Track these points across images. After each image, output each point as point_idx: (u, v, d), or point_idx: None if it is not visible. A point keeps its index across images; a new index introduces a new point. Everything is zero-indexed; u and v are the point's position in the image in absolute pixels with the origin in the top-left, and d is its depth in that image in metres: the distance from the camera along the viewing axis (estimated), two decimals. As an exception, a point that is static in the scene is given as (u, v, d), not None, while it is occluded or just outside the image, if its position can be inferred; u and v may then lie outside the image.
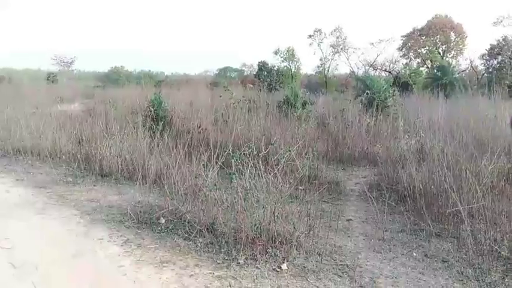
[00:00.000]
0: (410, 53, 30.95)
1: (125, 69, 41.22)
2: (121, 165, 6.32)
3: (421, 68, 30.55)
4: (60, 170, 6.62)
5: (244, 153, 4.21)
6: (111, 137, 6.86)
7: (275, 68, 31.94)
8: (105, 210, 4.79)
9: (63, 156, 7.19)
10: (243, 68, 38.97)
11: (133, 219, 4.38)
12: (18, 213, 4.65)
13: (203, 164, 4.73)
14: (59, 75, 34.36)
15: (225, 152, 4.74)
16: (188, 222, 4.14)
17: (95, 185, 5.92)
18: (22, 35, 59.58)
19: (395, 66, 30.91)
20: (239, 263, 3.47)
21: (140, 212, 4.53)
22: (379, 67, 31.32)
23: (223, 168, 4.74)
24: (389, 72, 30.48)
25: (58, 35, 61.58)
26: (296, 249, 3.72)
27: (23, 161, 7.21)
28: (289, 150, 4.46)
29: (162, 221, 4.30)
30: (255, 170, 4.13)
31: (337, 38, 33.07)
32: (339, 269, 3.49)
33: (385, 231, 4.41)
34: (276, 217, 3.85)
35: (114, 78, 35.92)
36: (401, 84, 22.20)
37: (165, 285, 3.10)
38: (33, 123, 8.31)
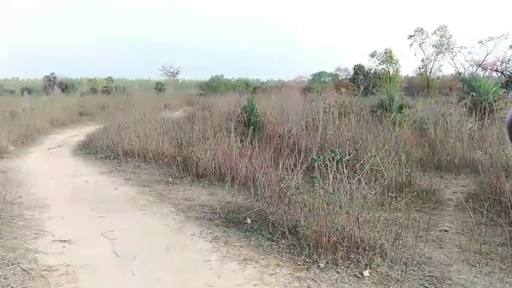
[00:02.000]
0: (527, 51, 27.71)
1: (224, 78, 43.33)
2: (214, 167, 6.71)
3: (540, 67, 27.15)
4: (162, 171, 7.25)
5: (328, 158, 4.22)
6: (206, 141, 7.32)
7: (372, 71, 30.91)
8: (198, 208, 5.15)
9: (165, 159, 7.83)
10: (338, 72, 38.40)
11: (222, 218, 4.65)
12: (124, 208, 5.23)
13: (286, 168, 4.83)
14: (166, 84, 37.35)
15: (310, 156, 4.80)
16: (272, 224, 4.27)
17: (190, 185, 6.38)
18: (134, 48, 65.94)
19: (509, 65, 27.89)
20: (320, 266, 3.49)
21: (229, 211, 4.81)
22: (489, 67, 28.56)
23: (308, 173, 4.80)
24: (502, 72, 27.61)
25: (165, 49, 66.83)
26: (380, 257, 3.62)
27: (131, 162, 8.03)
28: (375, 156, 4.35)
29: (248, 221, 4.49)
30: (339, 175, 4.12)
31: (441, 37, 30.95)
32: (426, 280, 3.33)
33: (483, 244, 4.07)
34: (359, 223, 3.81)
35: (214, 86, 37.92)
36: (516, 85, 20.00)
37: (247, 280, 3.26)
38: (140, 129, 9.19)
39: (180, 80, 47.23)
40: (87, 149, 9.58)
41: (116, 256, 3.75)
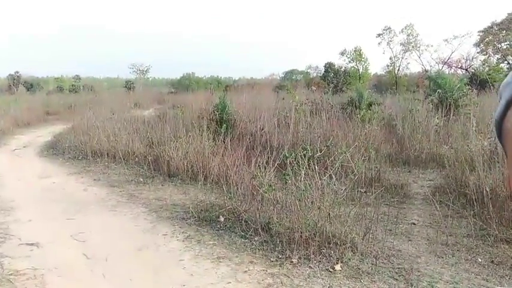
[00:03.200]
0: (489, 49, 28.73)
1: (195, 76, 42.97)
2: (186, 166, 6.65)
3: (501, 65, 28.25)
4: (132, 170, 7.13)
5: (300, 155, 4.27)
6: (178, 140, 7.24)
7: (342, 69, 31.39)
8: (170, 208, 5.10)
9: (136, 158, 7.71)
10: (309, 70, 38.77)
11: (195, 217, 4.62)
12: (93, 210, 5.12)
13: (259, 166, 4.85)
14: (135, 82, 36.71)
15: (282, 154, 4.83)
16: (245, 221, 4.28)
17: (162, 185, 6.30)
18: (102, 46, 64.41)
19: (473, 63, 28.90)
20: (292, 261, 3.53)
21: (202, 210, 4.78)
22: (454, 65, 29.50)
23: (281, 170, 4.83)
24: (466, 69, 28.60)
25: (135, 45, 65.69)
26: (351, 251, 3.69)
27: (100, 162, 7.86)
28: (345, 152, 4.42)
29: (221, 219, 4.48)
30: (311, 172, 4.17)
31: (408, 35, 31.72)
32: (396, 272, 3.42)
33: (450, 235, 4.21)
34: (331, 218, 3.86)
35: (185, 84, 37.56)
36: (479, 82, 20.75)
37: (220, 279, 3.26)
38: (109, 128, 9.00)
39: (151, 78, 46.56)
40: (54, 149, 9.31)
41: (86, 258, 3.67)
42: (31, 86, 32.72)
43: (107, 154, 8.12)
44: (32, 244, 3.93)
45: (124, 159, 7.55)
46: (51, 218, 4.77)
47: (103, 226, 4.54)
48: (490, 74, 24.20)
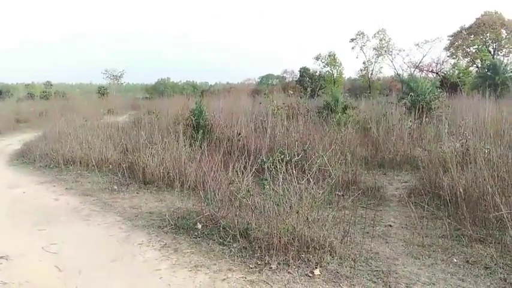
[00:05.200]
0: (459, 53, 29.69)
1: (171, 81, 42.60)
2: (162, 173, 6.54)
3: (471, 68, 29.21)
4: (106, 178, 6.95)
5: (278, 159, 4.25)
6: (153, 146, 7.12)
7: (317, 74, 31.75)
8: (146, 216, 4.99)
9: (110, 166, 7.53)
10: (285, 75, 39.08)
11: (172, 225, 4.53)
12: (65, 219, 4.95)
13: (236, 171, 4.80)
14: (109, 88, 36.09)
15: (260, 158, 4.80)
16: (223, 228, 4.22)
17: (137, 193, 6.16)
18: (73, 51, 63.08)
19: (443, 66, 29.77)
20: (271, 267, 3.49)
21: (178, 217, 4.70)
22: (425, 68, 30.31)
23: (258, 175, 4.80)
24: (437, 73, 29.41)
25: (107, 50, 64.64)
26: (330, 255, 3.69)
27: (72, 170, 7.64)
28: (322, 156, 4.43)
29: (199, 226, 4.41)
30: (288, 176, 4.16)
31: (381, 40, 32.46)
32: (374, 275, 3.43)
33: (425, 237, 4.27)
34: (309, 222, 3.85)
35: (160, 89, 37.16)
36: (450, 85, 21.34)
37: (199, 288, 3.19)
38: (82, 135, 8.78)
39: (124, 84, 45.90)
40: (25, 157, 9.01)
41: (58, 271, 3.53)
42: (0, 92, 31.69)
43: (80, 162, 7.91)
44: (1, 257, 3.75)
45: (97, 166, 7.36)
46: (21, 230, 4.58)
47: (76, 237, 4.39)
48: (460, 77, 24.97)
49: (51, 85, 37.77)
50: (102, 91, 31.95)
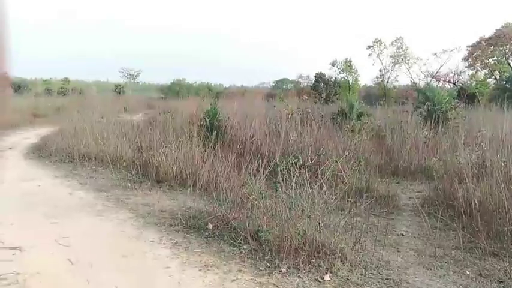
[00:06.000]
0: (477, 64, 29.25)
1: (186, 82, 42.84)
2: (175, 172, 6.58)
3: (489, 80, 28.78)
4: (120, 175, 7.02)
5: (291, 163, 4.24)
6: (167, 145, 7.17)
7: (332, 80, 31.65)
8: (158, 214, 5.02)
9: (124, 163, 7.59)
10: (300, 80, 39.01)
11: (183, 224, 4.56)
12: (78, 214, 5.01)
13: (249, 173, 4.81)
14: (125, 87, 36.50)
15: (273, 162, 4.80)
16: (234, 229, 4.23)
17: (150, 190, 6.22)
18: (91, 47, 63.99)
19: (461, 77, 29.39)
20: (281, 271, 3.49)
21: (190, 217, 4.72)
22: (442, 78, 29.96)
23: (271, 178, 4.81)
24: (454, 83, 29.04)
25: (126, 48, 65.46)
26: (340, 261, 3.66)
27: (87, 166, 7.74)
28: (336, 161, 4.42)
29: (210, 226, 4.43)
30: (301, 180, 4.15)
31: (398, 48, 32.19)
32: (384, 283, 3.40)
33: (438, 247, 4.22)
34: (320, 227, 3.84)
35: (175, 90, 37.39)
36: (467, 96, 21.05)
37: (208, 287, 3.20)
38: (98, 132, 8.89)
39: (141, 83, 46.35)
40: (41, 151, 9.15)
41: (70, 264, 3.57)
42: (19, 87, 32.25)
43: (95, 158, 8.01)
44: (14, 248, 3.82)
45: (112, 163, 7.44)
46: (34, 222, 4.65)
47: (88, 231, 4.44)
48: (477, 89, 24.62)
49: (68, 81, 38.28)
50: (118, 89, 32.36)
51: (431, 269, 3.75)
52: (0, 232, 4.22)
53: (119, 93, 31.08)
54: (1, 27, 1.68)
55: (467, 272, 3.66)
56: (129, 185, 6.45)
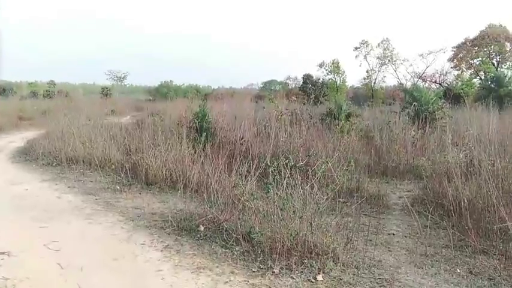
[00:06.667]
0: (462, 64, 29.66)
1: (174, 84, 42.59)
2: (165, 174, 6.53)
3: (474, 80, 29.17)
4: (109, 178, 6.95)
5: (282, 164, 4.24)
6: (156, 147, 7.12)
7: (320, 81, 31.79)
8: (148, 217, 4.98)
9: (113, 166, 7.51)
10: (288, 81, 39.07)
11: (174, 226, 4.52)
12: (67, 218, 4.94)
13: (240, 174, 4.80)
14: (112, 89, 36.16)
15: (264, 163, 4.79)
16: (226, 231, 4.22)
17: (140, 193, 6.16)
18: (78, 49, 63.28)
19: (446, 77, 29.77)
20: (274, 272, 3.48)
21: (181, 219, 4.68)
22: (428, 79, 30.30)
23: (262, 179, 4.80)
24: (440, 84, 29.42)
25: (112, 51, 64.89)
26: (333, 261, 3.67)
27: (75, 169, 7.63)
28: (327, 162, 4.43)
29: (201, 228, 4.40)
30: (292, 181, 4.15)
31: (385, 49, 32.45)
32: (377, 283, 3.41)
33: (428, 246, 4.26)
34: (312, 228, 3.84)
35: (163, 92, 37.15)
36: (453, 96, 21.32)
37: (200, 290, 3.18)
38: (85, 134, 8.78)
39: (128, 85, 45.96)
40: (28, 155, 9.02)
41: (60, 268, 3.51)
42: (3, 90, 31.73)
43: (83, 161, 7.91)
44: (3, 253, 3.75)
45: (100, 166, 7.37)
46: (23, 226, 4.57)
47: (78, 235, 4.38)
48: (463, 89, 24.96)
49: (54, 84, 37.74)
50: (105, 92, 32.05)
51: (422, 268, 3.78)
52: (-13, 237, 4.14)
53: (106, 95, 30.77)
54: None
55: (458, 270, 3.69)
56: (118, 188, 6.39)
